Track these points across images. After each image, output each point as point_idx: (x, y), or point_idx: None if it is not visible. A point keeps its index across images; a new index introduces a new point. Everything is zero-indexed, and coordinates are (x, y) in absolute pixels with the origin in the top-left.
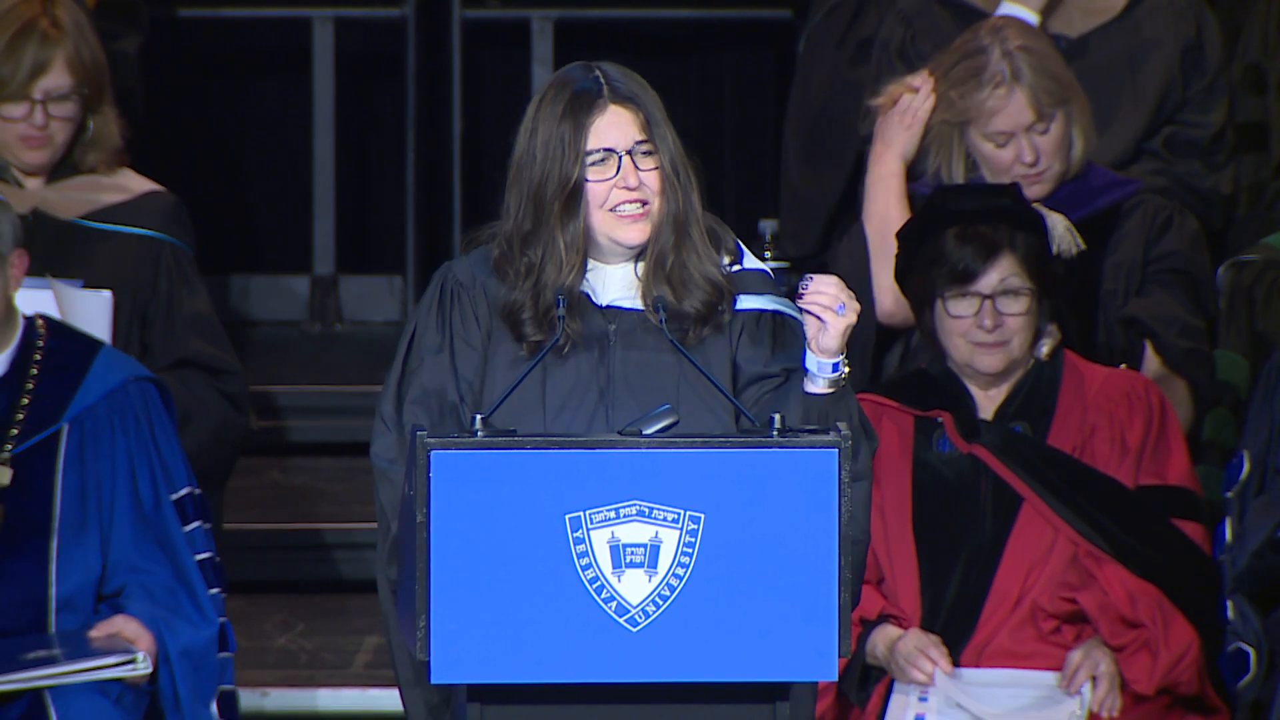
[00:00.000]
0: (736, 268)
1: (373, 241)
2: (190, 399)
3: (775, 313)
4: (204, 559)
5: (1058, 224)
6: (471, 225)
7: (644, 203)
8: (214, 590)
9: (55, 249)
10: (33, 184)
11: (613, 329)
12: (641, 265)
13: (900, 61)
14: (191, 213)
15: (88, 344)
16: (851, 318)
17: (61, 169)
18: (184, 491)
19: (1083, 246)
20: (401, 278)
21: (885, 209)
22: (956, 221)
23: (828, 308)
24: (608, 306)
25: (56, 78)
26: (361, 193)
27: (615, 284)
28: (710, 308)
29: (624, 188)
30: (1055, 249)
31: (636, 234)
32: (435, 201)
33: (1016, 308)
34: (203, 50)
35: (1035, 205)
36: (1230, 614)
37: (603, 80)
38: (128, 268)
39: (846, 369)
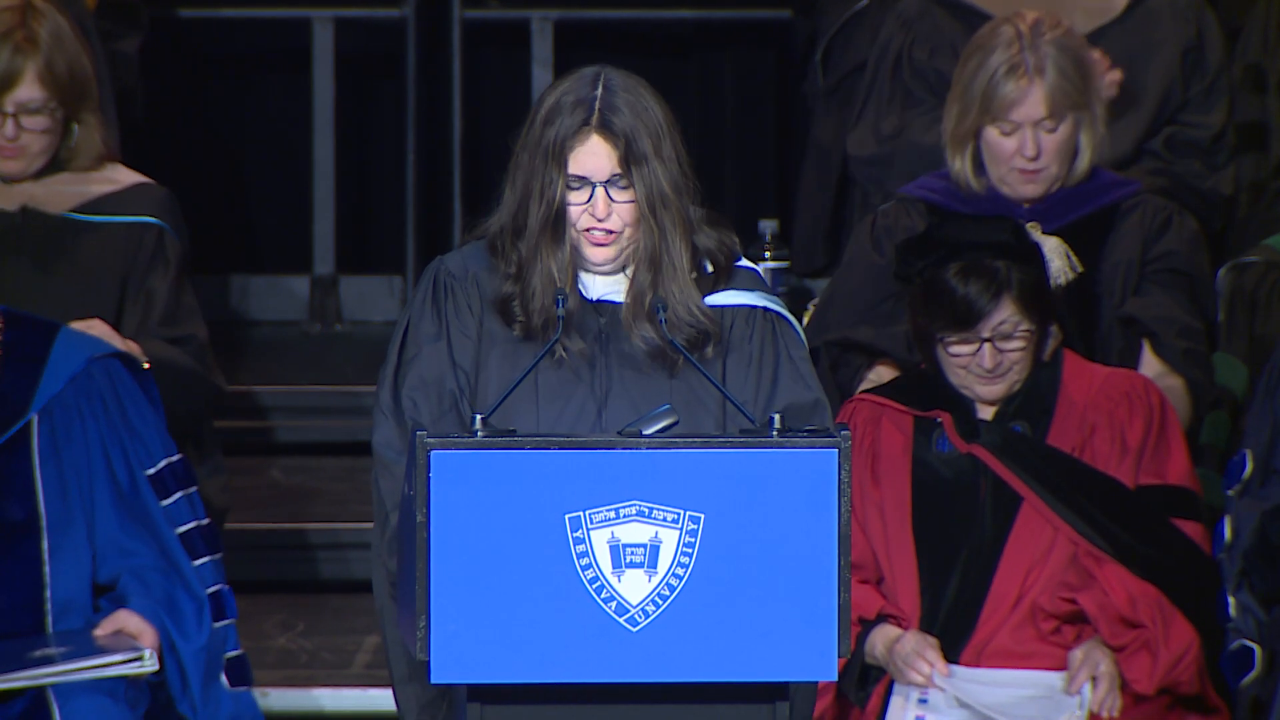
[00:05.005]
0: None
1: (373, 241)
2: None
3: (765, 309)
4: (190, 529)
5: (1054, 252)
6: (471, 226)
7: (611, 231)
8: (206, 558)
9: (46, 244)
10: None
11: (604, 322)
12: (630, 268)
13: (896, 68)
14: (191, 213)
15: (45, 328)
16: None
17: (48, 167)
18: (162, 464)
19: (1080, 270)
20: (401, 278)
21: None
22: (956, 252)
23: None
24: (599, 301)
25: (27, 91)
26: (361, 193)
27: (605, 281)
28: (694, 342)
29: (592, 215)
30: (1052, 282)
31: (601, 255)
32: (435, 201)
33: (1015, 345)
34: (203, 50)
35: (1030, 228)
36: (1233, 611)
37: (597, 105)
38: (119, 257)
39: None
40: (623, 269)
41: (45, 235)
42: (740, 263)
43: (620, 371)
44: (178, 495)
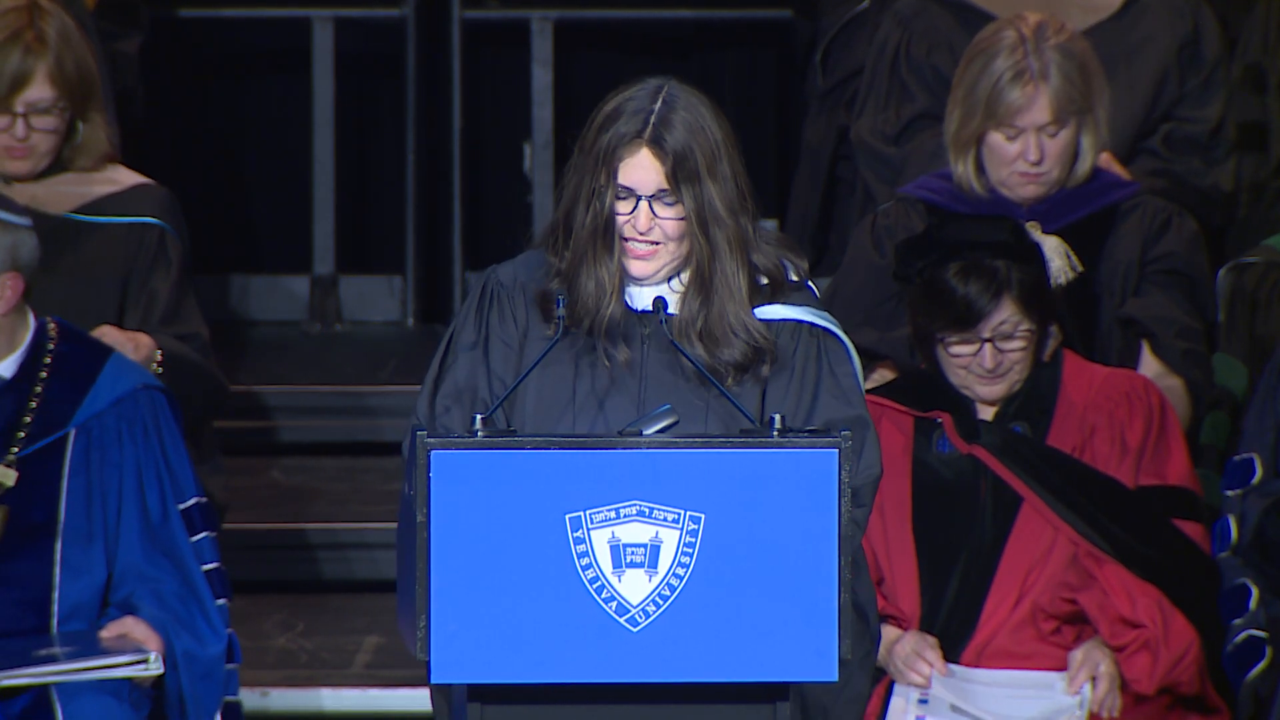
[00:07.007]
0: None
1: (373, 241)
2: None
3: (812, 325)
4: (210, 569)
5: (1054, 252)
6: (471, 226)
7: (654, 243)
8: (220, 600)
9: (47, 244)
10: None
11: (646, 332)
12: (675, 282)
13: (894, 65)
14: (191, 213)
15: (98, 350)
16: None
17: (51, 168)
18: (192, 501)
19: (1080, 269)
20: (401, 278)
21: None
22: (956, 252)
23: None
24: (643, 311)
25: (38, 90)
26: (361, 193)
27: (652, 290)
28: (748, 358)
29: (635, 226)
30: (1052, 282)
31: (641, 268)
32: (435, 201)
33: (1016, 345)
34: (203, 50)
35: (1030, 227)
36: (1253, 603)
37: (652, 119)
38: (121, 257)
39: None
40: (666, 281)
41: (46, 236)
42: (792, 279)
43: (660, 382)
44: (203, 535)
